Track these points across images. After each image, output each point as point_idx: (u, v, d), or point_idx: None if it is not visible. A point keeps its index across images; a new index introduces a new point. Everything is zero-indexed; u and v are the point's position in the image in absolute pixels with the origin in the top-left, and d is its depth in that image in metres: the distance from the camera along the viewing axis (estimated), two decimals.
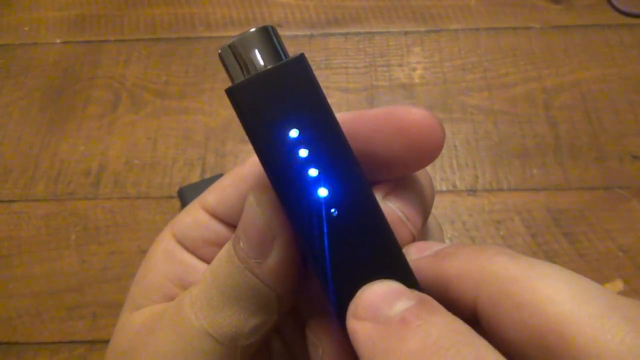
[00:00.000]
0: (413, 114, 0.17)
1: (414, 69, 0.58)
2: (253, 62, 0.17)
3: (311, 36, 0.61)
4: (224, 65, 0.17)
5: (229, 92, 0.16)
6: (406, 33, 0.60)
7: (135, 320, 0.20)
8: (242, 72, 0.17)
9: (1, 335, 0.45)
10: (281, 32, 0.61)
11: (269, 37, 0.17)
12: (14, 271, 0.48)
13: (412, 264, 0.16)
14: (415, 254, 0.17)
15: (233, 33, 0.61)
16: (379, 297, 0.15)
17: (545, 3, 0.61)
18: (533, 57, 0.58)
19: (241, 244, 0.18)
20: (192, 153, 0.53)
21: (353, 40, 0.60)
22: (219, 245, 0.20)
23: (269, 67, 0.17)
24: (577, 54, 0.58)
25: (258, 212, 0.17)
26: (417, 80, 0.57)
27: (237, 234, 0.18)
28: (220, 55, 0.17)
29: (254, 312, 0.18)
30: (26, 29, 0.64)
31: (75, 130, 0.55)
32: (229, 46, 0.17)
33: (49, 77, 0.59)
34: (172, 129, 0.55)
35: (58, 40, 0.62)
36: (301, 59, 0.17)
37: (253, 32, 0.17)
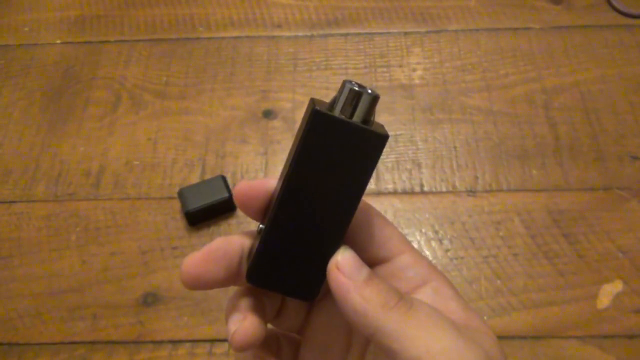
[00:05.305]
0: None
1: (414, 70, 0.58)
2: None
3: (311, 37, 0.61)
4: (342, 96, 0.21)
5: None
6: (406, 34, 0.60)
7: None
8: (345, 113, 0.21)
9: (2, 336, 0.45)
10: (281, 33, 0.61)
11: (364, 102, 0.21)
12: (15, 272, 0.48)
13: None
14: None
15: (233, 34, 0.61)
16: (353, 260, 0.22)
17: (545, 4, 0.62)
18: (533, 57, 0.58)
19: None
20: (192, 154, 0.53)
21: (353, 41, 0.60)
22: None
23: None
24: (577, 54, 0.58)
25: None
26: (417, 81, 0.57)
27: None
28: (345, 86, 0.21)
29: None
30: (26, 29, 0.64)
31: (76, 130, 0.56)
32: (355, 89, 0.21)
33: (49, 78, 0.59)
34: (172, 129, 0.55)
35: (58, 41, 0.62)
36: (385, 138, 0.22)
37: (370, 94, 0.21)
